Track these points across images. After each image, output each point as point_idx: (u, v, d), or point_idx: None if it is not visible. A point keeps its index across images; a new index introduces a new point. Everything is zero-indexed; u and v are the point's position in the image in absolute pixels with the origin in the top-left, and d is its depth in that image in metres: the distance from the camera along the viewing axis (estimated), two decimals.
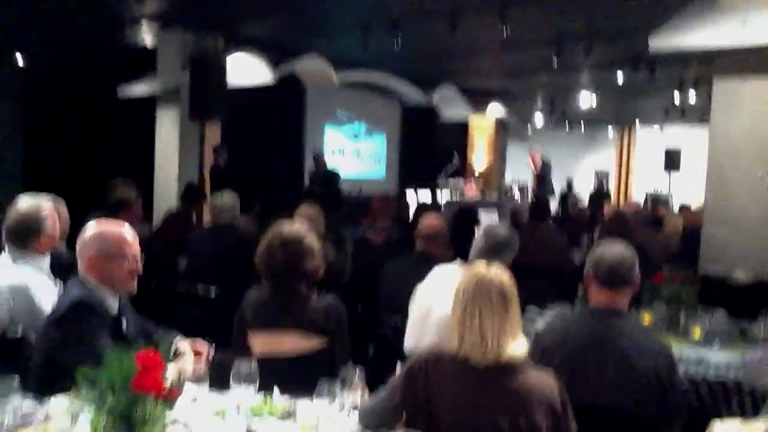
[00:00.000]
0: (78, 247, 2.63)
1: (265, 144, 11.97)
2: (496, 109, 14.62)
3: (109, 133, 10.73)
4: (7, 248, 3.20)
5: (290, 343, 2.77)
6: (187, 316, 4.22)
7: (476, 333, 2.16)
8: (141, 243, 2.75)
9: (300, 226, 3.02)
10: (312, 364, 2.41)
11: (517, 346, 2.19)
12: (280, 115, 12.24)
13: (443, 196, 11.91)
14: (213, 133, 9.93)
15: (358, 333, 3.13)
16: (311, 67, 11.00)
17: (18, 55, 10.98)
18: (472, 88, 13.84)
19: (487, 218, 9.50)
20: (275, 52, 10.47)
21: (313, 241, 2.94)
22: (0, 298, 2.95)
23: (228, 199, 5.19)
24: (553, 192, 13.75)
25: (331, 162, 13.86)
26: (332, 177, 10.46)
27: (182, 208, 6.43)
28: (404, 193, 11.76)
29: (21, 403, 1.97)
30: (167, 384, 1.59)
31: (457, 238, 4.84)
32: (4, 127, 12.15)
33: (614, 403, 2.61)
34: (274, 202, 7.60)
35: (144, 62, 10.08)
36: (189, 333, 2.84)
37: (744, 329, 3.78)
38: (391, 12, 8.34)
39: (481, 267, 2.30)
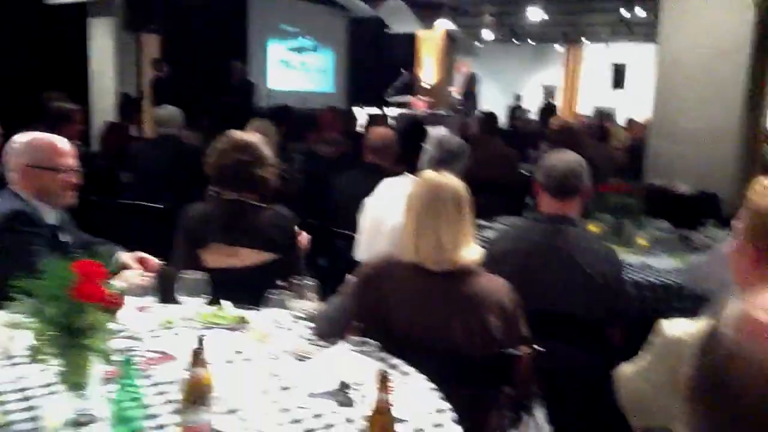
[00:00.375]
0: (8, 157, 2.48)
1: (206, 58, 11.53)
2: (444, 24, 14.36)
3: (39, 43, 10.15)
4: None
5: (241, 256, 2.70)
6: (131, 229, 4.09)
7: (431, 239, 2.13)
8: (80, 156, 2.63)
9: (252, 134, 2.90)
10: (265, 277, 2.34)
11: (471, 252, 2.18)
12: (222, 28, 11.75)
13: (392, 111, 11.77)
14: (151, 45, 9.51)
15: (312, 246, 3.08)
16: None
17: None
18: (420, 1, 13.53)
19: (437, 131, 9.44)
20: None
21: (265, 149, 2.82)
22: None
23: (171, 110, 4.98)
24: (475, 108, 13.54)
25: (276, 75, 13.53)
26: (246, 87, 10.06)
27: (120, 121, 6.17)
28: (351, 108, 11.58)
29: None
30: (109, 292, 1.51)
31: (406, 151, 4.79)
32: None
33: (564, 307, 2.66)
34: (218, 117, 7.38)
35: None
36: (133, 247, 2.75)
37: (686, 236, 3.88)
38: None
39: (433, 175, 2.26)
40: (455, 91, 14.77)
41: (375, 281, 2.22)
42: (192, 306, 2.14)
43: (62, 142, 2.55)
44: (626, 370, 1.70)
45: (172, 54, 9.80)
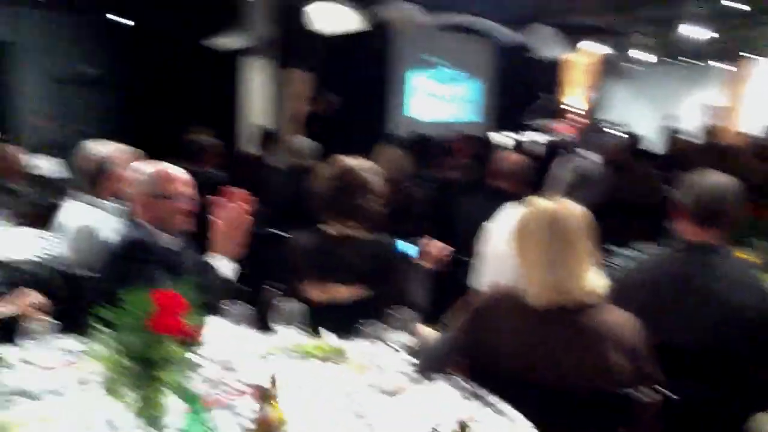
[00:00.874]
0: (130, 188, 2.61)
1: (350, 91, 11.86)
2: (593, 46, 13.87)
3: (197, 83, 10.92)
4: (77, 192, 3.28)
5: (335, 292, 2.63)
6: (260, 257, 4.17)
7: (544, 272, 1.96)
8: (217, 187, 2.69)
9: (362, 160, 2.84)
10: (363, 310, 2.28)
11: (590, 284, 1.98)
12: (367, 61, 12.04)
13: (532, 136, 11.47)
14: (298, 81, 9.90)
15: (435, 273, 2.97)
16: (398, 11, 10.78)
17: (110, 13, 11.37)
18: (568, 25, 13.16)
19: (581, 155, 9.06)
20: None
21: (372, 177, 2.74)
22: (67, 239, 3.02)
23: (303, 141, 5.11)
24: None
25: (420, 105, 13.67)
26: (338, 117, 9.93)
27: (257, 152, 6.42)
28: (489, 135, 11.42)
29: (63, 343, 1.96)
30: (187, 325, 1.49)
31: (543, 177, 4.59)
32: (102, 78, 12.66)
33: (707, 344, 2.35)
34: (359, 149, 7.49)
35: (233, 13, 10.16)
36: (261, 273, 2.79)
37: None
38: None
39: (547, 202, 2.08)
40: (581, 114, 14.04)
41: (485, 315, 2.08)
42: (289, 336, 2.10)
43: (177, 171, 2.64)
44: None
45: (321, 89, 10.17)
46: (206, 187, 3.54)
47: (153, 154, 4.37)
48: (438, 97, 14.13)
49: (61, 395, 1.80)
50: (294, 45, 8.91)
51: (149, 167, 2.64)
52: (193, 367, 1.54)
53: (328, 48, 10.14)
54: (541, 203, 2.09)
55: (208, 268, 2.53)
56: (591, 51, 14.05)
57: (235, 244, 2.60)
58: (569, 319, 1.97)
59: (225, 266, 2.57)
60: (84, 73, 12.47)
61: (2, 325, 2.11)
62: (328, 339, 2.24)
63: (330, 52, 10.24)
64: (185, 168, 2.73)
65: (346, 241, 2.68)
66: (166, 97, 11.59)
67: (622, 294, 2.50)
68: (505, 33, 12.83)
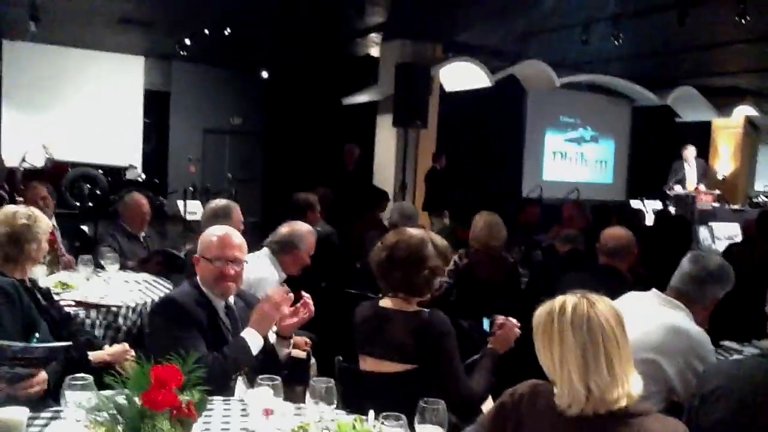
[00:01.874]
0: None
1: (482, 149, 11.83)
2: (743, 109, 13.01)
3: (335, 137, 11.34)
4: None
5: (374, 365, 2.59)
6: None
7: (565, 377, 1.79)
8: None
9: (420, 233, 2.78)
10: (405, 386, 2.21)
11: (625, 391, 1.78)
12: (498, 120, 12.01)
13: (665, 204, 10.83)
14: (429, 138, 10.03)
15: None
16: (532, 70, 10.71)
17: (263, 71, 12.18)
18: (715, 87, 12.48)
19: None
20: (494, 57, 10.35)
21: (429, 249, 2.68)
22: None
23: (406, 205, 5.15)
24: None
25: (551, 166, 13.38)
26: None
27: (369, 211, 6.53)
28: (627, 202, 10.90)
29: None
30: (182, 401, 1.50)
31: (662, 254, 4.29)
32: (250, 133, 13.50)
33: None
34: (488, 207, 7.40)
35: (368, 71, 10.55)
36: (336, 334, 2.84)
37: None
38: (612, 8, 7.75)
39: (568, 298, 1.87)
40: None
41: (514, 411, 1.91)
42: (325, 412, 2.07)
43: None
44: None
45: (449, 146, 10.24)
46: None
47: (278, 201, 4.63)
48: (570, 157, 13.77)
49: None
50: (420, 102, 9.05)
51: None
52: None
53: (454, 105, 10.22)
54: (562, 300, 1.89)
55: (240, 341, 2.57)
56: (738, 114, 13.18)
57: (269, 327, 2.64)
58: (602, 428, 1.78)
59: (255, 341, 2.60)
60: (229, 122, 13.38)
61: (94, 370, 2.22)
62: (367, 419, 2.19)
63: (457, 109, 10.32)
64: None
65: (394, 314, 2.63)
66: (302, 148, 12.17)
67: (700, 401, 2.27)
68: (643, 93, 12.37)
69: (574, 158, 13.83)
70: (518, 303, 4.17)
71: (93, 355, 2.83)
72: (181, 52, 10.48)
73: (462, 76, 9.89)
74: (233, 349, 2.52)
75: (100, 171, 11.20)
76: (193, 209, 10.56)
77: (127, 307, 3.71)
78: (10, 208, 3.07)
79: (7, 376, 2.10)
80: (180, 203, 10.24)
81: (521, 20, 8.77)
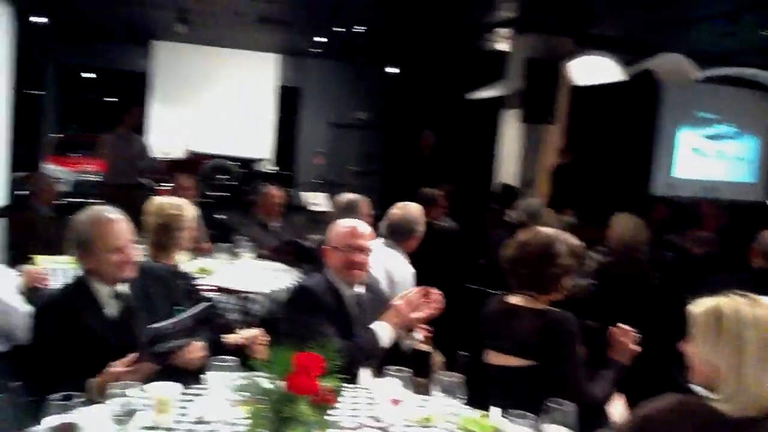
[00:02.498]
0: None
1: (609, 144, 11.44)
2: None
3: (457, 132, 11.33)
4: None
5: (506, 360, 2.61)
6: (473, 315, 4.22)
7: (733, 377, 1.76)
8: (444, 237, 2.86)
9: (551, 231, 2.78)
10: (535, 381, 2.23)
11: None
12: (629, 115, 11.56)
13: None
14: (553, 134, 9.82)
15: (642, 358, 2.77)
16: (669, 63, 10.21)
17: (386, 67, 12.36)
18: None
19: None
20: (628, 50, 9.97)
21: (560, 246, 2.67)
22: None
23: (530, 201, 5.09)
24: None
25: (686, 163, 12.72)
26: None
27: (497, 208, 6.50)
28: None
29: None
30: (322, 388, 1.60)
31: None
32: (373, 127, 13.76)
33: None
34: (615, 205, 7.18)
35: (494, 66, 10.46)
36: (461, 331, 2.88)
37: None
38: None
39: (735, 299, 1.83)
40: None
41: (661, 425, 1.86)
42: (451, 405, 2.12)
43: (360, 225, 2.85)
44: None
45: (578, 142, 9.99)
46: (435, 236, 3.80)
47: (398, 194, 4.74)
48: (707, 154, 13.03)
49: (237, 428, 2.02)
50: (549, 98, 8.90)
51: (345, 220, 2.89)
52: (324, 428, 1.65)
53: (584, 100, 9.95)
54: (735, 301, 1.84)
55: (370, 333, 2.67)
56: None
57: (402, 326, 2.72)
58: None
59: (386, 335, 2.70)
60: (355, 118, 13.70)
61: (230, 353, 2.40)
62: (493, 415, 2.22)
63: (586, 104, 10.04)
64: None
65: (521, 310, 2.64)
66: (435, 146, 12.24)
67: None
68: None
69: (711, 155, 13.09)
70: (649, 304, 4.05)
71: (228, 338, 3.04)
72: (314, 50, 10.84)
73: (594, 70, 9.58)
74: (364, 340, 2.64)
75: (235, 163, 11.80)
76: (317, 201, 10.92)
77: (261, 294, 3.93)
78: (160, 200, 3.32)
79: (167, 350, 2.31)
80: (305, 194, 10.62)
81: (660, 11, 8.39)
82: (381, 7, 8.54)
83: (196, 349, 2.47)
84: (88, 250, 2.54)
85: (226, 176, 11.46)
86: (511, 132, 9.86)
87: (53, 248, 4.33)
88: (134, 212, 2.91)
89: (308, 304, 2.65)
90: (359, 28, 9.34)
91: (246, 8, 9.34)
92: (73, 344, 2.40)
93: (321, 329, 2.55)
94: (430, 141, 9.16)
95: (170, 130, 11.89)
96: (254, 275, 4.26)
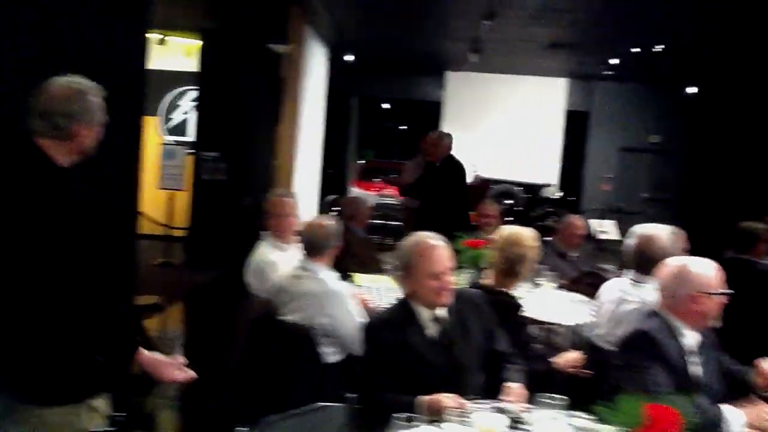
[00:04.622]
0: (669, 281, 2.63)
1: None
2: None
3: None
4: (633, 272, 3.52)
5: None
6: None
7: None
8: None
9: None
10: None
11: None
12: None
13: None
14: None
15: None
16: None
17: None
18: None
19: None
20: None
21: None
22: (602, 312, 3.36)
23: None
24: None
25: None
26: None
27: None
28: None
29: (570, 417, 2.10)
30: None
31: None
32: (670, 152, 12.85)
33: None
34: None
35: None
36: None
37: None
38: None
39: None
40: None
41: None
42: None
43: (706, 268, 2.58)
44: None
45: None
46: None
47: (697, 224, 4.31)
48: None
49: None
50: None
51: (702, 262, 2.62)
52: None
53: None
54: None
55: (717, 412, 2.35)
56: None
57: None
58: None
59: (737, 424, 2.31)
60: (646, 141, 12.93)
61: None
62: None
63: None
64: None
65: None
66: (730, 169, 11.10)
67: None
68: None
69: None
70: None
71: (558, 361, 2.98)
72: (605, 72, 10.50)
73: None
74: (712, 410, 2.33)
75: (520, 188, 11.82)
76: (605, 228, 10.46)
77: (565, 326, 3.81)
78: (509, 229, 3.40)
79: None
80: (592, 222, 10.24)
81: None
82: (685, 23, 7.97)
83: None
84: (409, 274, 2.67)
85: (511, 201, 11.53)
86: None
87: (366, 267, 4.69)
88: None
89: (650, 351, 2.44)
90: (658, 48, 8.82)
91: (537, 34, 9.37)
92: (399, 361, 2.54)
93: (663, 380, 2.32)
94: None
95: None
96: (556, 306, 4.16)
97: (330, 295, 3.34)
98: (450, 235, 5.62)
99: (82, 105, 2.13)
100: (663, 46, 8.70)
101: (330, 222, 3.56)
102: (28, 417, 2.02)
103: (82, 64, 3.17)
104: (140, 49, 4.46)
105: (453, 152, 7.37)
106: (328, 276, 3.47)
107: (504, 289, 3.25)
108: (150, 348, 3.03)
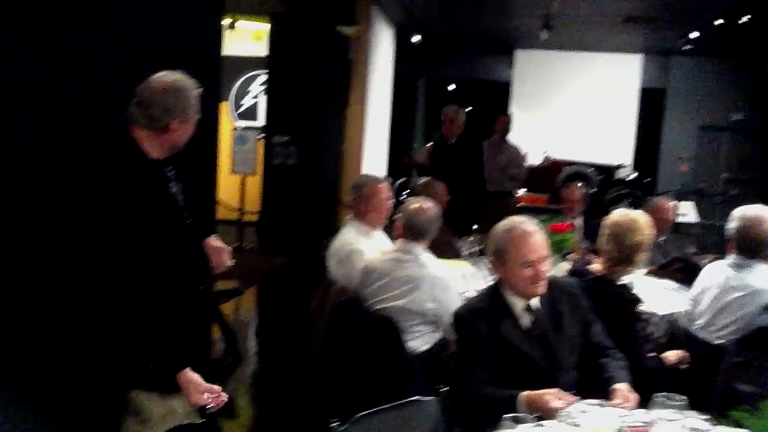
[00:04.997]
0: None
1: None
2: None
3: None
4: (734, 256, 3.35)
5: None
6: None
7: None
8: None
9: None
10: None
11: None
12: None
13: None
14: None
15: None
16: None
17: None
18: None
19: None
20: None
21: None
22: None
23: None
24: None
25: None
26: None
27: None
28: None
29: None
30: None
31: None
32: (753, 129, 12.20)
33: None
34: None
35: None
36: None
37: None
38: None
39: None
40: None
41: None
42: None
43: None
44: None
45: None
46: None
47: None
48: None
49: None
50: None
51: None
52: None
53: None
54: None
55: None
56: None
57: None
58: None
59: None
60: (727, 119, 12.32)
61: None
62: None
63: None
64: None
65: None
66: None
67: None
68: None
69: None
70: None
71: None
72: (683, 47, 10.03)
73: None
74: None
75: (593, 169, 11.44)
76: (684, 211, 10.05)
77: (658, 315, 3.63)
78: (620, 213, 3.24)
79: None
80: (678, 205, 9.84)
81: None
82: None
83: None
84: (502, 260, 2.56)
85: (584, 183, 11.18)
86: None
87: (443, 252, 4.57)
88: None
89: None
90: (744, 18, 8.33)
91: (613, 8, 8.98)
92: (494, 353, 2.44)
93: None
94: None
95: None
96: (648, 294, 3.96)
97: (436, 279, 3.28)
98: (459, 220, 5.39)
99: (180, 101, 2.21)
100: (749, 16, 8.21)
101: (431, 205, 3.46)
102: (142, 406, 2.09)
103: (161, 52, 3.15)
104: (215, 34, 4.44)
105: (518, 132, 6.99)
106: (430, 260, 3.38)
107: (614, 279, 3.07)
108: (229, 332, 3.04)
